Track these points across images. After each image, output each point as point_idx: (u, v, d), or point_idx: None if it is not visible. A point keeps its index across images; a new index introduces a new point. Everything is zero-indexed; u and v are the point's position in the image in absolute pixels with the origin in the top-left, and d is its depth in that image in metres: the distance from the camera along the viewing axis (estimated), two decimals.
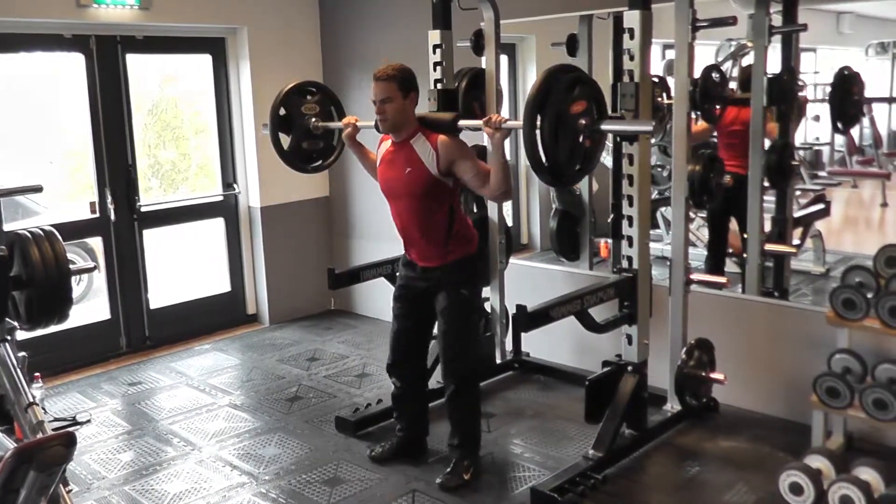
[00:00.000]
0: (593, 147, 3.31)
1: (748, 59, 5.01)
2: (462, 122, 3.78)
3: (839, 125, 4.77)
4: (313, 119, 4.40)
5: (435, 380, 4.42)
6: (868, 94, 5.77)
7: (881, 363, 3.67)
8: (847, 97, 4.60)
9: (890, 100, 5.91)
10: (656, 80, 4.67)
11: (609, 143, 5.17)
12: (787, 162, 4.79)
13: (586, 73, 3.33)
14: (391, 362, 4.04)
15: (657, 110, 4.65)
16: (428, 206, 3.74)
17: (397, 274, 4.08)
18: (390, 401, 4.18)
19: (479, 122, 3.62)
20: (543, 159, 3.17)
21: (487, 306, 4.99)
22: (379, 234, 6.16)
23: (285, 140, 4.42)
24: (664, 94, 4.76)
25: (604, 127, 3.32)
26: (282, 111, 4.34)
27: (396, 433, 4.16)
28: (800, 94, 4.94)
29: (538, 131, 3.15)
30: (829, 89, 4.64)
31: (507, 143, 3.55)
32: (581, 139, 3.23)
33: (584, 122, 3.22)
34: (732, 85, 5.13)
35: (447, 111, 4.58)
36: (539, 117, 3.14)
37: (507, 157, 3.59)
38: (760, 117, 4.72)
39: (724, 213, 5.29)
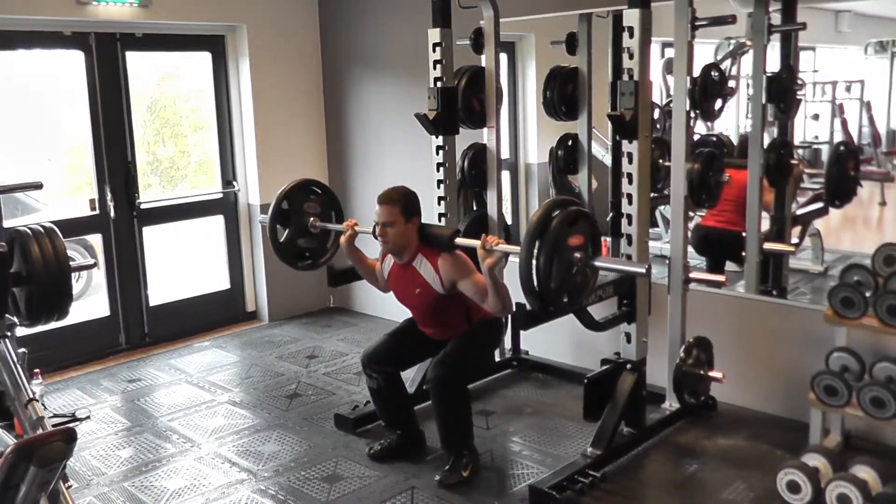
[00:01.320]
0: (583, 282, 3.34)
1: (747, 123, 5.04)
2: (459, 241, 3.83)
3: (836, 203, 4.83)
4: (312, 218, 4.41)
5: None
6: (866, 94, 5.80)
7: (879, 361, 3.68)
8: (843, 175, 4.64)
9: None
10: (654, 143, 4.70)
11: (608, 142, 5.19)
12: (785, 160, 4.79)
13: (586, 208, 3.40)
14: (371, 353, 4.03)
15: (657, 171, 4.65)
16: (445, 313, 3.93)
17: None
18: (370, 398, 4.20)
19: (475, 243, 3.62)
20: (535, 284, 3.18)
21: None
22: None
23: (281, 232, 4.40)
24: (664, 157, 4.73)
25: (597, 264, 3.35)
26: (284, 204, 4.34)
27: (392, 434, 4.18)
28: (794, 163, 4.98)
29: (534, 260, 3.18)
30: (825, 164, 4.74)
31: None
32: (574, 272, 3.26)
33: (578, 255, 3.26)
34: (730, 83, 5.13)
35: (446, 112, 4.61)
36: (537, 245, 3.16)
37: (502, 279, 3.70)
38: (759, 116, 4.72)
39: (721, 259, 5.37)
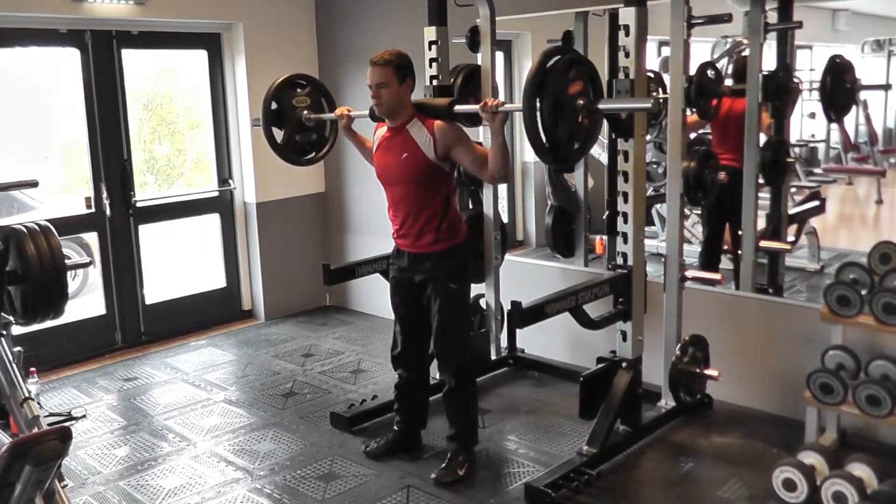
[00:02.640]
0: (591, 125, 3.33)
1: (744, 52, 5.01)
2: (458, 108, 3.78)
3: (831, 115, 4.77)
4: (305, 111, 4.39)
5: (432, 376, 4.43)
6: (863, 93, 5.79)
7: (875, 359, 3.69)
8: (839, 86, 4.59)
9: (885, 87, 5.87)
10: (651, 75, 4.68)
11: (604, 140, 5.19)
12: (782, 159, 4.80)
13: (581, 53, 3.35)
14: (395, 354, 4.05)
15: (653, 117, 4.67)
16: (424, 192, 3.74)
17: (390, 265, 4.07)
18: (393, 391, 4.17)
19: (475, 108, 3.61)
20: (544, 140, 3.18)
21: (483, 303, 5.00)
22: (374, 230, 6.17)
23: (278, 134, 4.41)
24: (659, 90, 4.75)
25: (602, 106, 3.33)
26: (273, 105, 4.32)
27: (394, 426, 4.17)
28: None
29: (538, 114, 3.15)
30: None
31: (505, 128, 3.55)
32: (580, 119, 3.25)
33: (581, 102, 3.23)
34: (728, 82, 5.13)
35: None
36: (538, 100, 3.14)
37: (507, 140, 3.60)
38: (756, 114, 4.73)
39: (719, 207, 5.30)
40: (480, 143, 4.31)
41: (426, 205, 3.75)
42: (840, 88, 4.55)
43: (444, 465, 3.87)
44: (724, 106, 5.07)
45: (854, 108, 5.16)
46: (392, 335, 4.08)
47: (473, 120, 4.80)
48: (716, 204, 5.04)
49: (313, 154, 4.52)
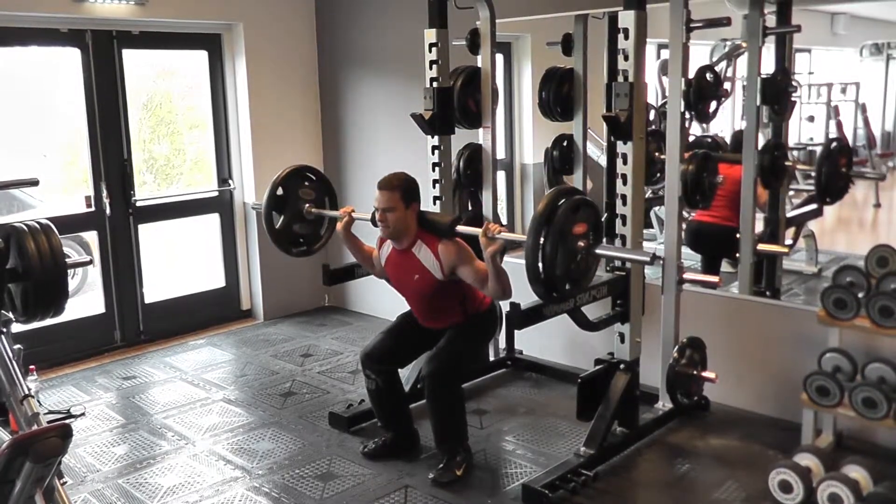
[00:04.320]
0: (586, 268, 3.41)
1: (741, 124, 5.04)
2: (459, 229, 3.86)
3: (827, 199, 4.82)
4: (307, 204, 4.43)
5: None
6: (861, 96, 5.81)
7: (871, 362, 3.70)
8: (834, 172, 4.64)
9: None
10: (653, 127, 4.72)
11: (603, 142, 5.20)
12: (780, 162, 4.81)
13: (589, 198, 3.45)
14: (370, 352, 4.03)
15: (652, 164, 4.70)
16: (440, 300, 3.93)
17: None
18: (367, 398, 4.20)
19: (476, 231, 3.67)
20: (541, 272, 3.24)
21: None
22: (374, 230, 6.16)
23: (277, 218, 4.42)
24: (660, 150, 4.76)
25: (599, 251, 3.41)
26: (279, 191, 4.36)
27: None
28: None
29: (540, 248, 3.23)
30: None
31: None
32: (578, 259, 3.33)
33: (582, 244, 3.31)
34: (726, 85, 5.15)
35: (442, 112, 4.62)
36: (543, 233, 3.21)
37: (502, 265, 3.72)
38: (754, 116, 4.74)
39: (716, 255, 5.38)
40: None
41: (444, 306, 3.96)
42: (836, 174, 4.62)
43: (441, 465, 3.88)
44: (723, 170, 5.15)
45: (853, 112, 5.20)
46: (383, 330, 4.11)
47: (474, 123, 4.83)
48: (708, 249, 5.14)
49: (305, 248, 4.54)
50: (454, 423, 3.91)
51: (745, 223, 4.80)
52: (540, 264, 3.22)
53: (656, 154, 4.69)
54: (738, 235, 4.82)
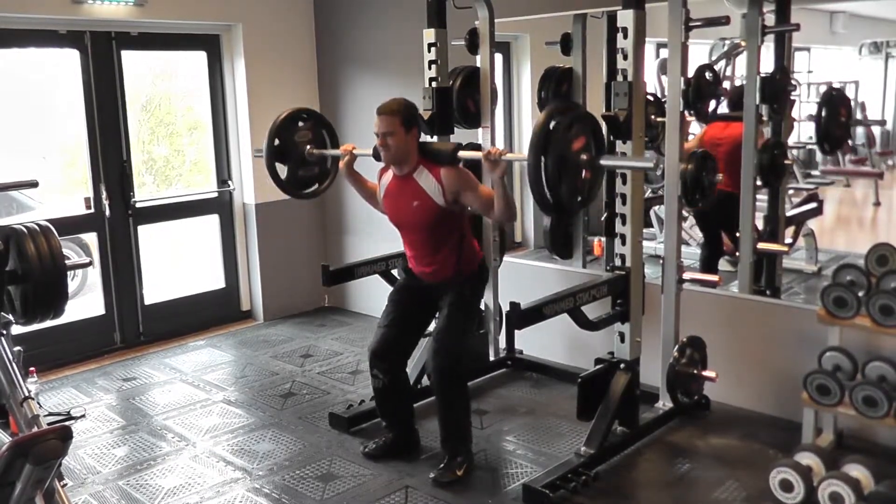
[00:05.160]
0: (593, 178, 3.40)
1: (741, 80, 5.03)
2: (462, 154, 3.84)
3: (825, 146, 4.81)
4: (307, 146, 4.42)
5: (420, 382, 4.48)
6: (861, 95, 5.81)
7: (871, 361, 3.70)
8: (834, 119, 4.63)
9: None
10: (651, 98, 4.71)
11: None
12: (779, 161, 4.81)
13: (584, 108, 3.43)
14: (375, 350, 4.00)
15: (650, 128, 4.69)
16: (439, 235, 3.87)
17: (397, 275, 4.12)
18: (371, 397, 4.19)
19: (478, 155, 3.68)
20: (548, 195, 3.25)
21: (481, 304, 5.00)
22: (373, 231, 6.17)
23: (281, 170, 4.44)
24: (656, 113, 4.76)
25: (603, 163, 3.41)
26: (276, 142, 4.36)
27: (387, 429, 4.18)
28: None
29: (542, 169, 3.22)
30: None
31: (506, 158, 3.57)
32: (582, 173, 3.32)
33: (584, 157, 3.31)
34: (725, 84, 5.15)
35: (441, 112, 4.62)
36: (543, 157, 3.20)
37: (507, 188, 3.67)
38: (753, 116, 4.74)
39: (715, 224, 5.36)
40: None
41: (442, 245, 3.88)
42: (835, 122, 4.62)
43: (442, 465, 3.88)
44: (716, 130, 5.13)
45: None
46: (378, 327, 4.09)
47: (473, 122, 4.83)
48: (712, 219, 5.09)
49: (315, 187, 4.57)
50: (457, 423, 3.91)
51: (745, 223, 4.80)
52: (546, 187, 3.21)
53: (653, 117, 4.68)
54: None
